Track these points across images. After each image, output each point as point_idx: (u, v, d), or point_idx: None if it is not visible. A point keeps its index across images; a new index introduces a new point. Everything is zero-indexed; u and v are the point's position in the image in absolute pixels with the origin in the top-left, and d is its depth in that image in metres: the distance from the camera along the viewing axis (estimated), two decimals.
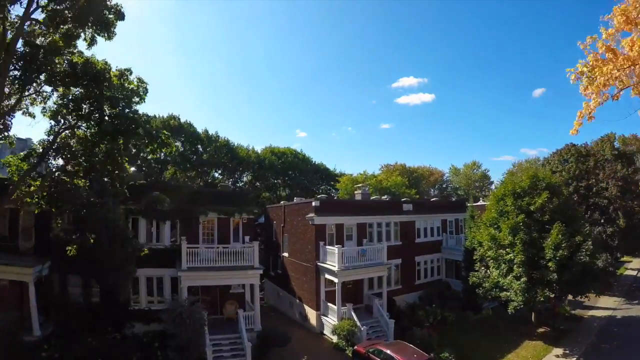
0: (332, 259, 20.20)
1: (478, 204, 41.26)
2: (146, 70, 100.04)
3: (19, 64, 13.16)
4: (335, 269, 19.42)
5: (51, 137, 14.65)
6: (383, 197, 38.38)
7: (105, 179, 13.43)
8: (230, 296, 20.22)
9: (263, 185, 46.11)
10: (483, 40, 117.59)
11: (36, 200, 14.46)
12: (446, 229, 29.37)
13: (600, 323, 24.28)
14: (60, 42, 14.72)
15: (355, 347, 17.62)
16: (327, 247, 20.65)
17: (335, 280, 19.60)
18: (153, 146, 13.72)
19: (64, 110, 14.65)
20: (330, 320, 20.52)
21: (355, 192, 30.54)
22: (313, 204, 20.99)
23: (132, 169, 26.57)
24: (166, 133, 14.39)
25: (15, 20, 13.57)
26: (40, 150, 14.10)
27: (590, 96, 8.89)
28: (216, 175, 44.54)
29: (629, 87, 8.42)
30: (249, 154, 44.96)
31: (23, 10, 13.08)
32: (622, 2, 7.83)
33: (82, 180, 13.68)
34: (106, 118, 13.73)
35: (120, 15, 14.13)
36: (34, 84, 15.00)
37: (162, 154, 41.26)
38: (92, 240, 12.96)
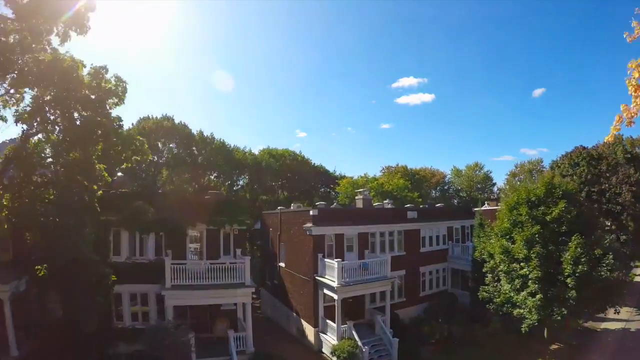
0: (331, 274, 18.62)
1: (485, 208, 39.72)
2: (145, 70, 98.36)
3: None
4: (335, 284, 17.82)
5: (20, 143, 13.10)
6: (385, 202, 36.79)
7: (74, 191, 11.78)
8: (221, 313, 18.64)
9: (260, 189, 44.46)
10: (483, 40, 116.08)
11: (5, 214, 12.91)
12: (452, 236, 27.79)
13: (614, 337, 22.91)
14: (29, 37, 13.17)
15: None
16: (326, 260, 19.06)
17: (335, 297, 18.01)
18: (127, 153, 12.10)
19: (33, 114, 13.08)
20: (330, 339, 18.93)
21: (356, 197, 28.90)
22: (311, 213, 19.39)
23: (119, 174, 24.99)
24: (140, 139, 12.80)
25: None
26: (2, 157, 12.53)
27: (637, 99, 7.44)
28: (212, 177, 42.90)
29: None
30: (246, 156, 43.27)
31: None
32: None
33: (49, 192, 12.10)
34: (77, 122, 12.17)
35: (90, 7, 12.53)
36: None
37: (156, 158, 39.84)
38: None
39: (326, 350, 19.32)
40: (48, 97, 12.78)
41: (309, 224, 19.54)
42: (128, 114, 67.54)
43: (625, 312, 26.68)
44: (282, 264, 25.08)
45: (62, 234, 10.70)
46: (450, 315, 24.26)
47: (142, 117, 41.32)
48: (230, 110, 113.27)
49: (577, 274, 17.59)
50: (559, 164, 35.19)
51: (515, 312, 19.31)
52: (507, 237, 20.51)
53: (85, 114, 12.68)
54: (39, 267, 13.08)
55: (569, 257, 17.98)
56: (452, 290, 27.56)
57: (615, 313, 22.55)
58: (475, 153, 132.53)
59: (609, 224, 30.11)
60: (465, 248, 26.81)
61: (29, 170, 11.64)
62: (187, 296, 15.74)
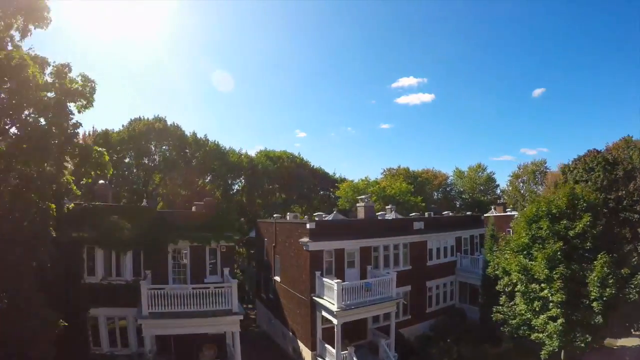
0: (330, 295, 16.73)
1: (492, 214, 37.84)
2: (144, 71, 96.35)
3: None
4: (334, 308, 15.94)
5: None
6: (387, 207, 34.89)
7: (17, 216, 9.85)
8: (208, 339, 16.75)
9: (257, 192, 42.52)
10: (483, 40, 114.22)
11: None
12: (460, 247, 25.90)
13: (632, 356, 21.24)
14: None
15: None
16: (325, 279, 17.17)
17: (335, 321, 16.13)
18: (85, 167, 10.23)
19: None
20: None
21: (358, 205, 27.00)
22: (307, 226, 17.49)
23: (101, 181, 23.12)
24: (99, 150, 10.94)
25: None
26: None
27: None
28: (206, 181, 40.95)
29: None
30: (241, 159, 41.29)
31: None
32: None
33: None
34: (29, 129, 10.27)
35: None
36: None
37: (147, 160, 37.93)
38: None
39: None
40: None
41: (305, 239, 17.66)
42: (127, 116, 65.99)
43: None
44: (277, 278, 23.22)
45: None
46: (459, 334, 22.42)
47: (133, 118, 39.45)
48: (230, 111, 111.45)
49: (604, 298, 15.76)
50: (571, 168, 33.21)
51: (534, 336, 17.48)
52: (524, 252, 18.65)
53: (43, 120, 10.78)
54: None
55: (595, 278, 16.14)
56: (460, 305, 25.71)
57: (633, 330, 20.87)
58: (475, 153, 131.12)
59: (627, 235, 28.21)
60: (475, 261, 24.94)
61: None
62: (166, 325, 13.88)
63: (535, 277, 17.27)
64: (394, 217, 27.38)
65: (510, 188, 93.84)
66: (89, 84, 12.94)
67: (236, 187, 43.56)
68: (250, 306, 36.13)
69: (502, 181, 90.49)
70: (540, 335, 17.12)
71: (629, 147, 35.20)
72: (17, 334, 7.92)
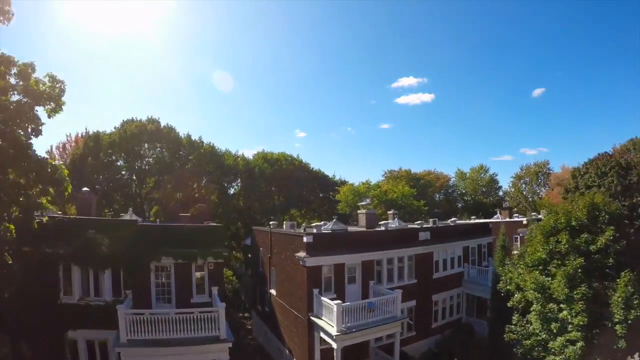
0: (329, 316, 15.30)
1: (498, 219, 36.37)
2: (144, 72, 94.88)
3: None
4: (334, 332, 14.51)
5: None
6: (390, 212, 33.46)
7: None
8: None
9: (254, 196, 41.02)
10: (483, 40, 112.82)
11: None
12: (468, 257, 24.45)
13: None
14: None
15: None
16: (323, 298, 15.72)
17: (334, 345, 14.70)
18: (39, 184, 8.81)
19: None
20: None
21: (359, 212, 25.59)
22: (304, 239, 16.04)
23: (84, 188, 21.69)
24: (54, 164, 9.53)
25: None
26: None
27: None
28: (202, 184, 39.47)
29: None
30: (237, 162, 39.79)
31: None
32: None
33: None
34: None
35: None
36: None
37: (139, 164, 36.46)
38: None
39: None
40: None
41: (302, 253, 16.21)
42: (126, 117, 64.76)
43: None
44: (273, 291, 21.79)
45: None
46: (466, 350, 21.08)
47: (125, 120, 37.99)
48: (230, 111, 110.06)
49: (629, 321, 14.35)
50: (582, 173, 31.77)
51: (549, 358, 16.05)
52: (540, 267, 17.20)
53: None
54: None
55: (618, 298, 14.70)
56: (466, 318, 24.28)
57: None
58: (475, 153, 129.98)
59: None
60: (483, 272, 23.50)
61: None
62: (147, 354, 12.42)
63: (554, 296, 15.83)
64: (397, 225, 25.94)
65: (513, 190, 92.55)
66: (58, 85, 11.51)
67: (233, 189, 42.17)
68: (246, 315, 34.77)
69: (503, 181, 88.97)
70: (557, 358, 15.69)
71: (635, 148, 33.80)
72: None
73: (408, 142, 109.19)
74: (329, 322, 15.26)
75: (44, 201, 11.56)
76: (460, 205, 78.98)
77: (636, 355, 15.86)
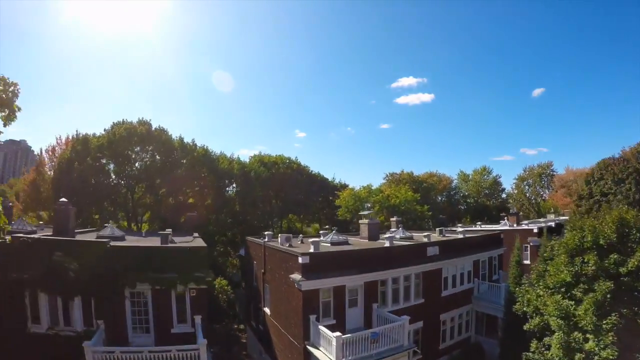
0: (327, 347, 13.54)
1: (506, 226, 34.58)
2: (144, 73, 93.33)
3: None
4: None
5: None
6: (393, 219, 31.72)
7: None
8: None
9: (250, 201, 39.22)
10: (483, 40, 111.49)
11: None
12: (478, 272, 22.67)
13: None
14: None
15: None
16: (321, 327, 13.95)
17: None
18: None
19: None
20: None
21: (361, 221, 23.85)
22: (299, 260, 14.26)
23: (62, 199, 19.95)
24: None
25: None
26: None
27: None
28: (196, 189, 37.64)
29: None
30: (232, 165, 37.96)
31: None
32: None
33: None
34: None
35: None
36: None
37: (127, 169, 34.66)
38: None
39: None
40: None
41: (297, 275, 14.44)
42: (122, 118, 63.02)
43: None
44: (267, 310, 20.04)
45: None
46: None
47: (115, 122, 36.21)
48: (230, 111, 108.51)
49: None
50: (597, 178, 30.10)
51: None
52: (562, 289, 15.44)
53: None
54: None
55: None
56: (476, 337, 22.52)
57: None
58: (475, 153, 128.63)
59: None
60: (494, 289, 21.72)
61: None
62: None
63: (580, 325, 14.07)
64: (402, 236, 24.19)
65: (516, 191, 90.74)
66: (10, 89, 9.75)
67: (229, 193, 40.33)
68: (241, 327, 33.07)
69: (504, 182, 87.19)
70: None
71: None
72: None
73: (408, 142, 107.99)
74: (327, 354, 13.50)
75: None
76: (462, 208, 77.25)
77: None
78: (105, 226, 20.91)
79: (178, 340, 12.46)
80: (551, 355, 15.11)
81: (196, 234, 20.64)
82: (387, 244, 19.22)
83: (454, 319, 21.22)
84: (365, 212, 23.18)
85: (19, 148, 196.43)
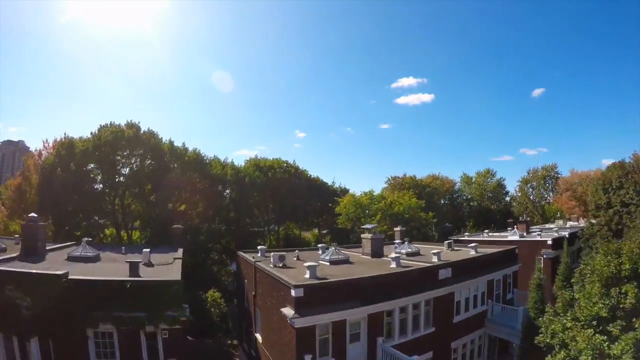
0: None
1: (515, 236, 32.46)
2: (144, 73, 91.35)
3: None
4: None
5: None
6: (396, 230, 29.67)
7: None
8: None
9: (244, 207, 37.13)
10: (482, 40, 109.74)
11: None
12: (492, 292, 20.60)
13: None
14: None
15: None
16: None
17: None
18: None
19: None
20: None
21: (363, 236, 21.76)
22: (292, 293, 12.17)
23: (32, 214, 17.90)
24: None
25: None
26: None
27: None
28: (187, 195, 35.52)
29: None
30: (225, 170, 35.83)
31: None
32: None
33: None
34: None
35: None
36: None
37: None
38: None
39: None
40: None
41: (289, 310, 12.36)
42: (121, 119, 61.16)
43: None
44: (258, 337, 17.99)
45: None
46: None
47: (102, 124, 34.06)
48: (230, 111, 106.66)
49: None
50: (615, 187, 27.96)
51: None
52: (595, 323, 13.38)
53: None
54: None
55: None
56: None
57: None
58: (475, 153, 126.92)
59: None
60: (511, 312, 19.64)
61: None
62: None
63: None
64: (408, 251, 22.14)
65: (520, 194, 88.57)
66: None
67: (225, 197, 38.18)
68: (234, 342, 31.01)
69: (504, 182, 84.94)
70: None
71: None
72: None
73: (408, 142, 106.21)
74: None
75: None
76: (465, 211, 75.11)
77: None
78: (80, 243, 18.87)
79: None
80: None
81: (178, 255, 18.54)
82: (393, 264, 17.15)
83: (465, 345, 19.16)
84: (369, 226, 21.11)
85: (16, 149, 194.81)
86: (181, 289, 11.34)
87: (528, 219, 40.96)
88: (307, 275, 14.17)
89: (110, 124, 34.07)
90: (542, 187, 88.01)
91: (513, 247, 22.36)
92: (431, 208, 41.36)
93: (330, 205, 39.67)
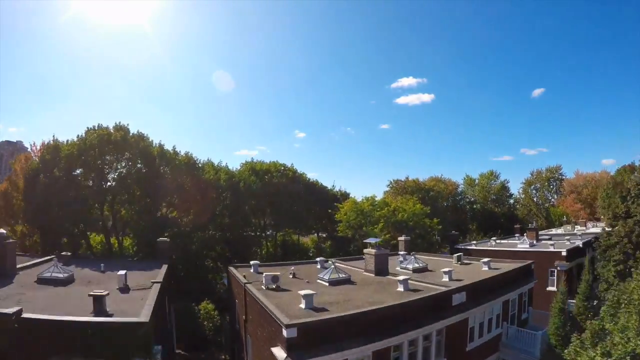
0: None
1: (524, 246, 30.61)
2: (144, 73, 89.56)
3: None
4: None
5: None
6: (400, 240, 27.82)
7: None
8: None
9: (239, 214, 35.24)
10: (482, 40, 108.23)
11: None
12: (507, 314, 18.73)
13: None
14: None
15: None
16: None
17: None
18: None
19: None
20: None
21: (366, 251, 19.87)
22: (284, 333, 10.30)
23: (1, 231, 16.05)
24: None
25: None
26: None
27: None
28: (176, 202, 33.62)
29: None
30: (219, 175, 33.90)
31: None
32: None
33: None
34: None
35: None
36: None
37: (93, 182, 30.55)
38: None
39: None
40: None
41: (281, 352, 10.48)
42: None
43: None
44: None
45: None
46: None
47: (89, 127, 32.14)
48: (230, 111, 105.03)
49: None
50: (634, 195, 26.04)
51: None
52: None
53: None
54: None
55: None
56: None
57: None
58: (475, 153, 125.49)
59: None
60: (528, 336, 17.79)
61: None
62: None
63: None
64: (415, 266, 20.30)
65: (523, 196, 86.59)
66: None
67: (220, 202, 36.29)
68: (227, 358, 29.20)
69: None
70: None
71: None
72: None
73: (408, 142, 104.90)
74: None
75: None
76: (469, 214, 73.24)
77: None
78: (50, 259, 17.00)
79: None
80: None
81: (159, 275, 16.64)
82: (400, 288, 15.27)
83: None
84: (372, 240, 19.24)
85: (15, 149, 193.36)
86: (150, 331, 9.45)
87: (535, 224, 38.99)
88: (303, 306, 12.31)
89: (98, 126, 32.17)
90: (546, 189, 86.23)
91: (529, 262, 20.47)
92: (435, 213, 39.48)
93: (330, 211, 37.76)
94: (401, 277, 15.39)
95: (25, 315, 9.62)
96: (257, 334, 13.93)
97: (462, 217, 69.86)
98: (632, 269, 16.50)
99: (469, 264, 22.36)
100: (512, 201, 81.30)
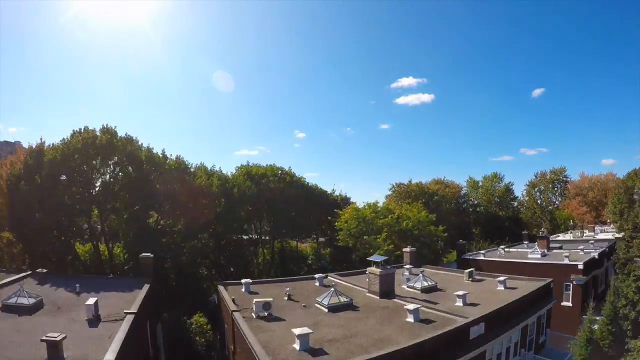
0: None
1: (536, 257, 28.71)
2: (144, 73, 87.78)
3: None
4: None
5: None
6: (405, 251, 25.96)
7: None
8: None
9: (235, 222, 33.39)
10: (482, 40, 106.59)
11: None
12: (525, 339, 16.90)
13: None
14: None
15: None
16: None
17: None
18: None
19: None
20: None
21: (369, 270, 18.00)
22: None
23: None
24: None
25: None
26: None
27: None
28: (166, 209, 31.76)
29: None
30: (211, 181, 31.98)
31: None
32: None
33: None
34: None
35: None
36: None
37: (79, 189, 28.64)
38: None
39: None
40: None
41: None
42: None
43: None
44: None
45: None
46: None
47: (75, 130, 30.24)
48: (229, 111, 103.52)
49: None
50: None
51: None
52: None
53: None
54: None
55: None
56: None
57: None
58: (475, 153, 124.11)
59: None
60: None
61: None
62: None
63: None
64: (423, 285, 18.46)
65: (527, 198, 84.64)
66: None
67: (215, 209, 34.46)
68: None
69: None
70: None
71: None
72: None
73: (408, 142, 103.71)
74: None
75: None
76: (472, 217, 71.38)
77: None
78: (24, 277, 15.15)
79: None
80: None
81: (137, 302, 14.76)
82: (410, 318, 13.43)
83: None
84: (377, 259, 17.40)
85: (13, 150, 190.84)
86: None
87: (545, 232, 37.14)
88: (297, 347, 10.49)
89: (84, 129, 30.30)
90: (550, 192, 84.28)
91: (549, 280, 18.62)
92: (439, 218, 37.65)
93: (329, 218, 35.91)
94: (411, 306, 13.52)
95: None
96: None
97: (466, 220, 68.05)
98: None
99: (482, 280, 20.54)
100: (515, 204, 79.49)
